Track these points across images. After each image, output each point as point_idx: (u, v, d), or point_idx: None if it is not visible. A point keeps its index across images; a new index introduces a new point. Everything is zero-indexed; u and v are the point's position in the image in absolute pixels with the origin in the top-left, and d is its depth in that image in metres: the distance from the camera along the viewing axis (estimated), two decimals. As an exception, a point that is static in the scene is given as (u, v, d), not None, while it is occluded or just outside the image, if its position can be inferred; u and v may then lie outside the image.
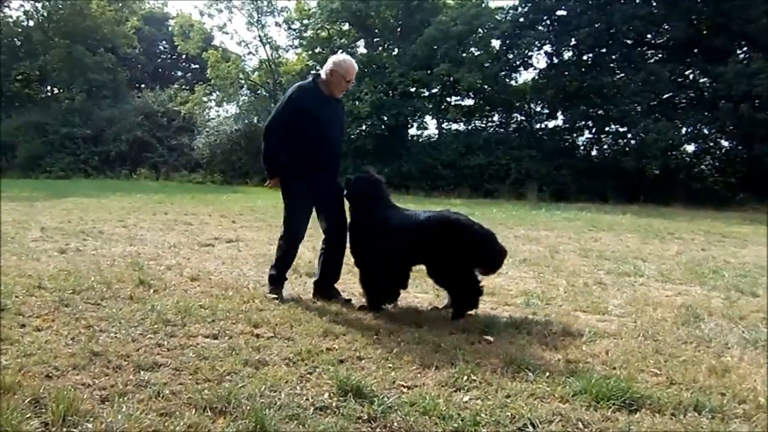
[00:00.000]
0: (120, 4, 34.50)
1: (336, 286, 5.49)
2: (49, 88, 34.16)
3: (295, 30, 30.29)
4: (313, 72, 5.50)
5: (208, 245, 8.39)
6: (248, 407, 2.97)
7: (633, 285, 6.49)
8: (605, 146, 24.70)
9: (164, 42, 38.75)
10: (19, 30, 32.50)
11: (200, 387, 3.20)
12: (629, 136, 23.09)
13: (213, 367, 3.51)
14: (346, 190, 5.31)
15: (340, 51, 28.92)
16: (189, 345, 3.93)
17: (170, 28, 36.14)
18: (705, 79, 22.84)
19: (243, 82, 31.39)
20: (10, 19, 33.23)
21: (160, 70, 39.34)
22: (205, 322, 4.45)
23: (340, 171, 5.66)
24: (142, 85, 35.39)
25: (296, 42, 30.57)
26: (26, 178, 25.94)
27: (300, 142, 5.22)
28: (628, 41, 23.91)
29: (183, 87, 33.31)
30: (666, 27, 23.38)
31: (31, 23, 32.39)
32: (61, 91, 31.94)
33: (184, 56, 37.25)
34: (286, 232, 5.46)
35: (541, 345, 4.20)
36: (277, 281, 5.43)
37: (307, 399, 3.13)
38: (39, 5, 31.90)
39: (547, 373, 3.57)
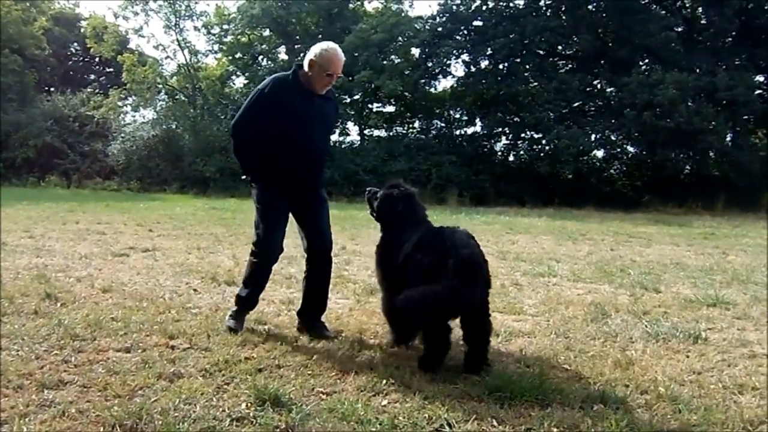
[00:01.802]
0: (27, 4, 32.89)
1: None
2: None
3: (214, 35, 29.73)
4: (296, 61, 4.63)
5: (122, 255, 8.08)
6: (161, 422, 2.89)
7: (547, 285, 6.72)
8: (521, 152, 25.53)
9: (76, 44, 37.15)
10: None
11: (109, 404, 3.09)
12: (543, 142, 23.99)
13: (124, 382, 3.39)
14: (373, 207, 4.56)
15: (260, 56, 28.85)
16: (98, 360, 3.78)
17: (82, 30, 34.69)
18: (611, 89, 24.06)
19: (160, 86, 30.51)
20: None
21: (71, 72, 37.72)
22: (116, 335, 4.29)
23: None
24: (52, 89, 33.81)
25: (216, 47, 30.02)
26: None
27: (277, 145, 4.41)
28: (541, 51, 24.92)
29: (96, 91, 32.10)
30: (575, 39, 24.48)
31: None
32: (-39, 94, 30.16)
33: (97, 59, 35.77)
34: (260, 248, 4.58)
35: (458, 346, 4.28)
36: (244, 304, 4.61)
37: (224, 410, 3.07)
38: (-65, 3, 30.04)
39: (464, 374, 3.66)
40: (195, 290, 5.99)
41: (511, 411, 3.14)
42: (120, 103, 30.35)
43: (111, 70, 34.68)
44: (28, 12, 32.60)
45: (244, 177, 4.71)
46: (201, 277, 6.59)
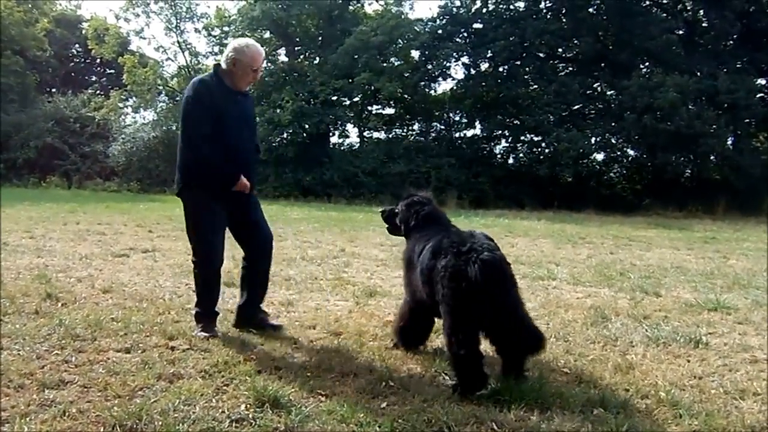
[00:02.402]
0: (29, 5, 32.92)
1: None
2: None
3: (215, 36, 29.73)
4: (214, 62, 4.53)
5: (122, 256, 8.10)
6: (160, 423, 2.89)
7: (546, 288, 6.71)
8: (521, 154, 25.51)
9: (77, 45, 37.10)
10: None
11: (109, 404, 3.09)
12: (543, 144, 23.95)
13: (124, 382, 3.40)
14: (394, 223, 4.46)
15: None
16: (99, 360, 3.78)
17: (84, 31, 34.70)
18: (611, 92, 24.07)
19: (161, 88, 30.53)
20: None
21: (72, 74, 37.68)
22: (117, 335, 4.29)
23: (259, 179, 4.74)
24: (53, 90, 33.82)
25: (216, 48, 29.95)
26: None
27: (212, 141, 4.37)
28: (541, 54, 24.94)
29: (97, 92, 32.10)
30: (575, 42, 24.47)
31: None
32: (-37, 95, 30.15)
33: (98, 60, 35.76)
34: (202, 257, 4.51)
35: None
36: (205, 318, 4.49)
37: (223, 411, 3.07)
38: (-63, 4, 30.06)
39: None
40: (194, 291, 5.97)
41: (510, 415, 3.13)
42: (120, 105, 30.35)
43: (112, 71, 34.70)
44: (30, 13, 32.62)
45: (177, 188, 4.63)
46: (201, 279, 6.57)
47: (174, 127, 27.64)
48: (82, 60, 38.35)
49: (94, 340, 4.16)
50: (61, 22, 35.99)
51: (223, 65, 4.47)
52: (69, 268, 7.02)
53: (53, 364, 3.69)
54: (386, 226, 4.66)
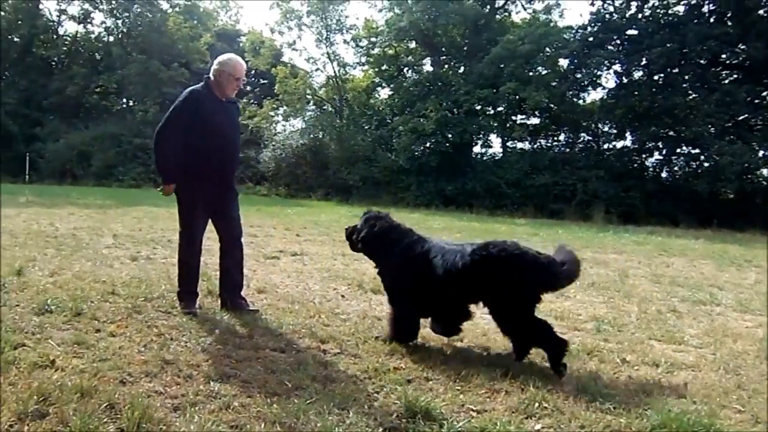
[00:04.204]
0: (195, 21, 35.67)
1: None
2: (124, 100, 35.56)
3: (362, 47, 30.65)
4: (205, 75, 5.22)
5: (273, 258, 8.48)
6: (318, 424, 2.95)
7: (710, 314, 6.21)
8: (676, 168, 23.97)
9: (235, 58, 39.74)
10: (100, 45, 34.17)
11: (269, 401, 3.20)
12: (702, 158, 22.38)
13: (281, 381, 3.52)
14: (361, 236, 4.71)
15: (405, 68, 29.29)
16: (257, 357, 3.95)
17: (241, 45, 37.12)
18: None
19: (310, 97, 31.94)
20: (92, 35, 34.96)
21: (230, 84, 40.32)
22: (271, 335, 4.48)
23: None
24: (213, 100, 36.31)
25: (363, 59, 30.92)
26: (100, 186, 27.02)
27: (196, 148, 4.95)
28: (702, 61, 23.19)
29: (252, 101, 34.09)
30: (742, 47, 22.56)
31: (111, 39, 33.99)
32: (136, 103, 33.22)
33: (253, 71, 38.04)
34: (185, 242, 5.19)
35: (614, 373, 4.05)
36: (185, 297, 5.12)
37: (376, 419, 3.08)
38: (119, 22, 33.40)
39: (623, 405, 3.43)
40: (342, 296, 6.13)
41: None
42: (272, 113, 32.05)
43: (265, 81, 36.78)
44: (195, 29, 35.35)
45: (159, 189, 5.22)
46: (348, 284, 6.73)
47: (321, 135, 28.82)
48: (240, 71, 40.91)
49: (251, 338, 4.37)
50: (221, 37, 38.73)
51: (211, 76, 5.13)
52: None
53: (216, 357, 3.91)
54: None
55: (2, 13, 32.89)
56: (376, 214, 4.78)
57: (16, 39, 33.49)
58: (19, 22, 32.74)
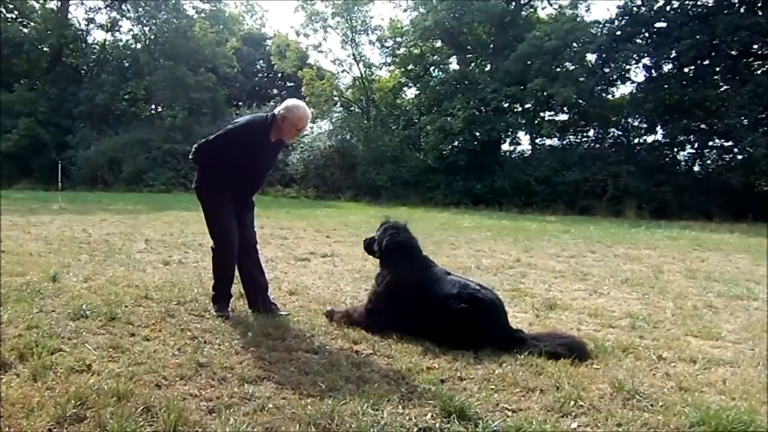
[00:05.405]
0: (221, 26, 36.05)
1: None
2: (153, 106, 36.07)
3: (388, 48, 30.72)
4: (271, 113, 5.27)
5: (304, 259, 8.50)
6: (353, 425, 2.96)
7: (747, 309, 6.08)
8: (709, 161, 23.60)
9: (261, 61, 40.10)
10: (128, 52, 34.67)
11: (303, 402, 3.21)
12: (735, 150, 22.00)
13: (315, 382, 3.53)
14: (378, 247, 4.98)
15: (431, 67, 29.25)
16: (290, 359, 3.97)
17: (267, 48, 37.44)
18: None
19: (336, 99, 32.09)
20: (119, 43, 35.55)
21: (257, 88, 40.70)
22: (304, 337, 4.49)
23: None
24: (240, 103, 36.72)
25: (389, 59, 30.97)
26: (130, 191, 27.44)
27: (233, 169, 5.06)
28: (733, 52, 22.72)
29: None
30: (774, 37, 22.09)
31: (139, 46, 34.48)
32: (164, 109, 33.61)
33: (280, 75, 38.47)
34: (221, 244, 5.20)
35: (651, 371, 3.98)
36: (219, 300, 5.17)
37: (410, 419, 3.07)
38: (146, 29, 33.90)
39: (660, 402, 3.38)
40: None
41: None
42: (300, 116, 32.17)
43: (292, 84, 37.06)
44: (222, 34, 35.73)
45: (195, 186, 5.31)
46: (378, 284, 6.71)
47: (348, 136, 28.90)
48: (266, 75, 41.34)
49: (283, 340, 4.38)
50: (247, 41, 39.11)
51: (277, 116, 5.14)
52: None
53: (249, 360, 3.93)
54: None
55: (32, 24, 33.66)
56: (395, 223, 5.04)
57: (45, 49, 34.14)
58: (48, 32, 33.34)
